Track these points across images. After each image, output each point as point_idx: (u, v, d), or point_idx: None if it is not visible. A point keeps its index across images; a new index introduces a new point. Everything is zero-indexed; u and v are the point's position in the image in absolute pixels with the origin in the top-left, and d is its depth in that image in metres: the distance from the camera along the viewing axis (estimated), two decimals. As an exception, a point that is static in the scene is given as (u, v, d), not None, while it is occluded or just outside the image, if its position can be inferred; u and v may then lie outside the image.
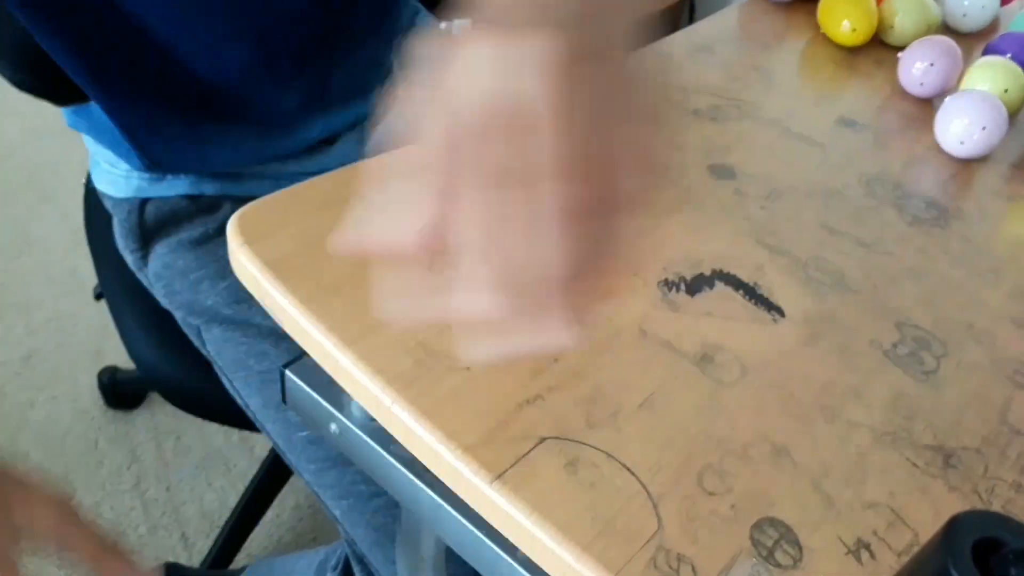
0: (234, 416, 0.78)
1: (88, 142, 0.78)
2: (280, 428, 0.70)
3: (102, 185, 0.77)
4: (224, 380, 0.74)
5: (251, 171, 0.77)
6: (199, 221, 0.75)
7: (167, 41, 0.65)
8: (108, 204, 0.77)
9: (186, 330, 0.77)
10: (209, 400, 0.83)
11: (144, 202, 0.75)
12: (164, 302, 0.77)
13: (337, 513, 0.70)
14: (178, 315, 0.76)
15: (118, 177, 0.75)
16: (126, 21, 0.63)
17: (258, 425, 0.73)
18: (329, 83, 0.76)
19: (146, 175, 0.74)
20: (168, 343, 0.83)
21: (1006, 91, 0.76)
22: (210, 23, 0.65)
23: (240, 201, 0.51)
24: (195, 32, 0.66)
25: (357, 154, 0.74)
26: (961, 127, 0.71)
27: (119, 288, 0.86)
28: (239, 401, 0.74)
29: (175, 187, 0.75)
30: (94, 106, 0.73)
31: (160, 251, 0.75)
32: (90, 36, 0.64)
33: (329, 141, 0.79)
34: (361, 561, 0.73)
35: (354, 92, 0.78)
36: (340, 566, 0.93)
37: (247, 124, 0.74)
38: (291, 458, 0.71)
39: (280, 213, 0.52)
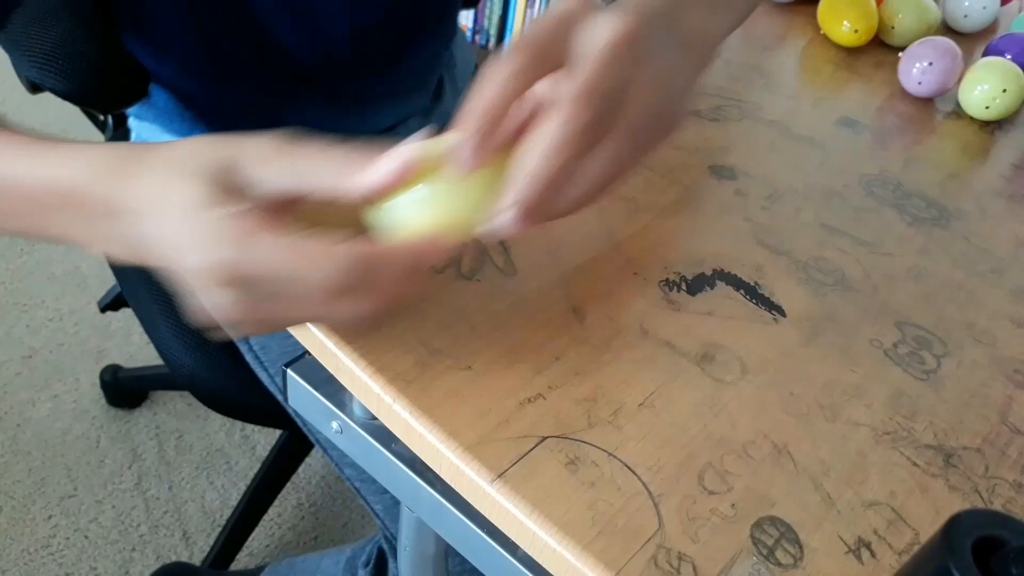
0: (271, 415, 0.79)
1: (143, 129, 0.80)
2: None
3: None
4: (265, 376, 0.75)
5: None
6: None
7: (272, 22, 0.68)
8: None
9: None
10: (247, 401, 0.84)
11: None
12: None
13: (378, 508, 0.70)
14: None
15: None
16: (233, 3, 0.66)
17: (298, 422, 0.73)
18: (399, 76, 0.80)
19: None
20: (204, 345, 0.83)
21: (1005, 91, 0.76)
22: (311, 5, 0.68)
23: None
24: (299, 11, 0.68)
25: None
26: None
27: (149, 295, 0.86)
28: (279, 396, 0.74)
29: None
30: (158, 97, 0.75)
31: None
32: (205, 17, 0.67)
33: (390, 129, 0.84)
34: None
35: (417, 85, 0.84)
36: (372, 562, 0.93)
37: (329, 107, 0.78)
38: (333, 453, 0.71)
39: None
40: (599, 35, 0.39)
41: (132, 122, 0.82)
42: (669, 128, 0.44)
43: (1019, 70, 0.78)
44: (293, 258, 0.37)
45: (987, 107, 0.77)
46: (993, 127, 0.79)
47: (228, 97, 0.74)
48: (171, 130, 0.78)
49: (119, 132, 0.94)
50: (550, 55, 0.39)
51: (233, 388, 0.83)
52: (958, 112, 0.80)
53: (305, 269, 0.37)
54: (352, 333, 0.45)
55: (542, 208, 0.39)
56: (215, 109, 0.75)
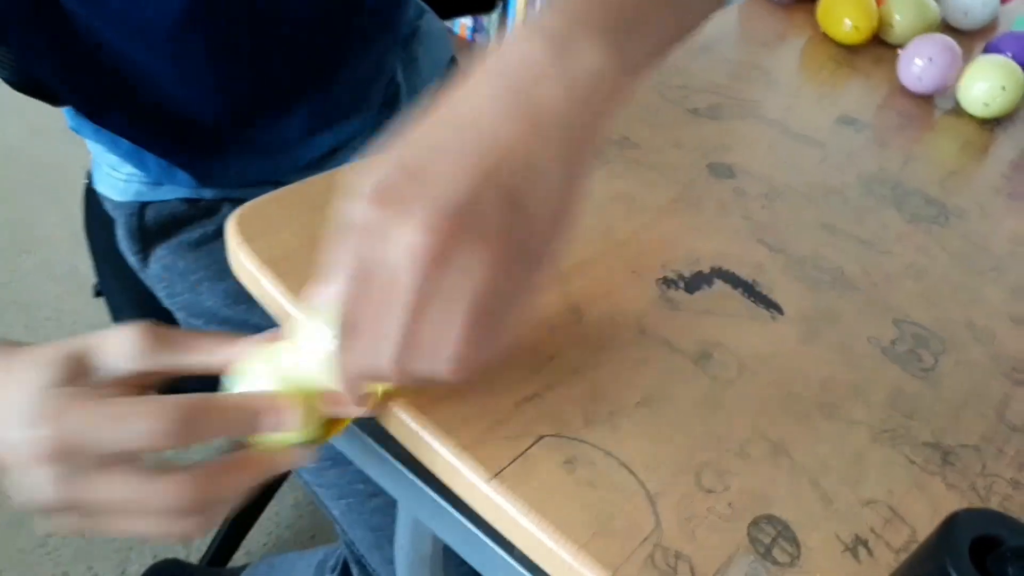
0: None
1: (91, 145, 0.78)
2: None
3: (103, 188, 0.77)
4: (224, 380, 0.75)
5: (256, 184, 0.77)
6: (198, 224, 0.75)
7: (164, 76, 0.65)
8: (109, 207, 0.78)
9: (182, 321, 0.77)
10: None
11: (144, 206, 0.75)
12: (166, 303, 0.77)
13: (336, 513, 0.69)
14: (179, 316, 0.76)
15: (118, 181, 0.75)
16: (112, 64, 0.63)
17: None
18: (330, 101, 0.74)
19: (145, 179, 0.74)
20: None
21: (1003, 88, 0.76)
22: (210, 53, 0.64)
23: (239, 203, 0.52)
24: (187, 79, 0.65)
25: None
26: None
27: (119, 288, 0.86)
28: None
29: (174, 191, 0.75)
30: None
31: (160, 253, 0.75)
32: (78, 75, 0.64)
33: (332, 152, 0.79)
34: (359, 562, 0.73)
35: (357, 103, 0.77)
36: (339, 567, 0.92)
37: (249, 152, 0.74)
38: None
39: (278, 212, 0.52)
40: (400, 262, 0.34)
41: (86, 142, 0.79)
42: (548, 248, 0.38)
43: (1018, 68, 0.78)
44: (115, 411, 0.37)
45: (986, 104, 0.77)
46: (993, 125, 0.78)
47: (138, 141, 0.71)
48: (112, 150, 0.74)
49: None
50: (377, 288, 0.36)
51: (196, 385, 0.83)
52: (957, 110, 0.80)
53: (127, 419, 0.37)
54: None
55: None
56: (142, 147, 0.72)
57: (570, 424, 0.42)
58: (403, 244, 0.34)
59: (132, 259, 0.77)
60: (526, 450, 0.41)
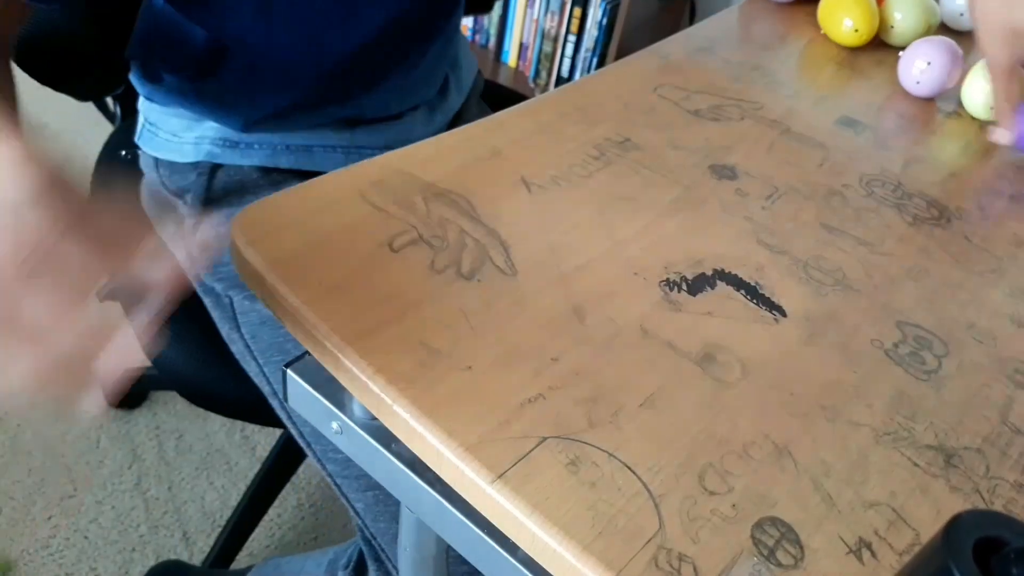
0: (253, 411, 0.78)
1: (153, 110, 0.79)
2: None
3: (163, 153, 0.78)
4: (253, 367, 0.74)
5: (322, 143, 0.79)
6: (265, 194, 0.75)
7: (288, 24, 0.68)
8: (163, 173, 0.79)
9: (217, 312, 0.77)
10: (229, 396, 0.84)
11: (215, 168, 0.77)
12: (204, 276, 0.77)
13: (360, 506, 0.69)
14: (218, 287, 0.76)
15: (184, 144, 0.77)
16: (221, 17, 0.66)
17: (282, 416, 0.73)
18: (408, 76, 0.80)
19: (220, 142, 0.76)
20: (185, 337, 0.83)
21: None
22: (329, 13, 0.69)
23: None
24: (315, 25, 0.69)
25: (420, 130, 0.83)
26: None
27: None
28: (265, 388, 0.74)
29: (250, 157, 0.76)
30: (170, 80, 0.75)
31: (217, 219, 0.76)
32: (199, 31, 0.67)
33: (398, 116, 0.83)
34: (377, 559, 0.73)
35: (422, 84, 0.84)
36: (352, 565, 0.92)
37: (342, 101, 0.77)
38: (316, 448, 0.71)
39: (283, 213, 0.52)
40: None
41: (142, 104, 0.82)
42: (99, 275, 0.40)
43: (1021, 70, 0.78)
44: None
45: (991, 107, 0.77)
46: (994, 126, 0.78)
47: (246, 83, 0.74)
48: (178, 114, 0.77)
49: (127, 123, 0.94)
50: None
51: (217, 382, 0.83)
52: (959, 112, 0.80)
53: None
54: (354, 333, 0.44)
55: None
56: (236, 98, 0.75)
57: (573, 426, 0.43)
58: None
59: (172, 228, 0.78)
60: (529, 452, 0.41)
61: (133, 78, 0.77)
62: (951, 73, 0.78)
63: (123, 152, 0.86)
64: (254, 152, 0.76)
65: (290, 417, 0.72)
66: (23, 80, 0.75)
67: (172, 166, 0.78)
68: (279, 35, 0.70)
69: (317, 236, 0.50)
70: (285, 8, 0.68)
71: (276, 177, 0.77)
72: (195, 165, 0.77)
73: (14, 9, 0.59)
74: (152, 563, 1.20)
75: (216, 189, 0.77)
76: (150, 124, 0.80)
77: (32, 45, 0.71)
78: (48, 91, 0.77)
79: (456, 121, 0.92)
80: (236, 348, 0.75)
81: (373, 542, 0.72)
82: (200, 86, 0.73)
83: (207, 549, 1.23)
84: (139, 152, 0.82)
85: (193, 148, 0.77)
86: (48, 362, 0.38)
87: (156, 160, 0.80)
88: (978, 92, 0.77)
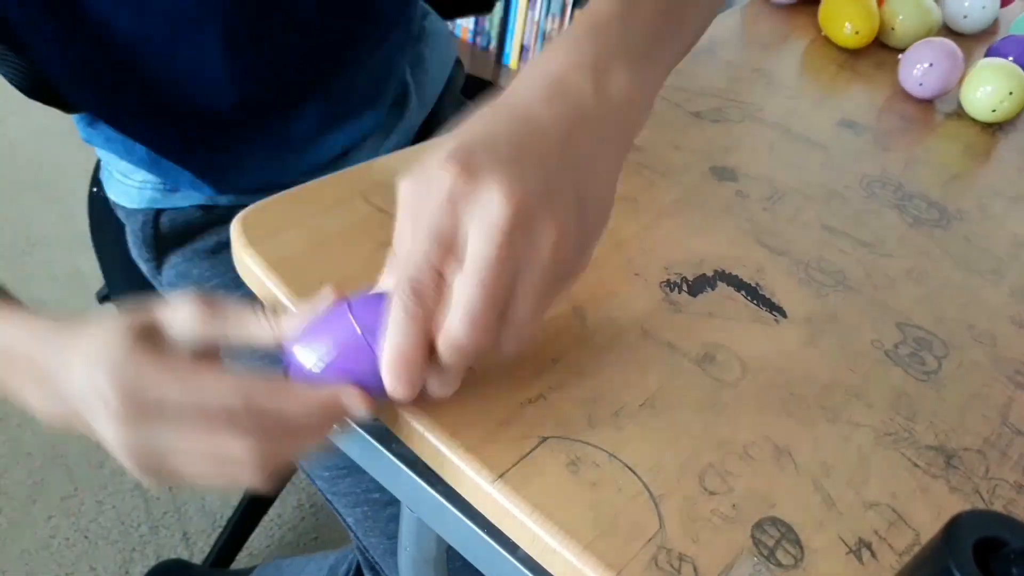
0: None
1: (101, 153, 0.77)
2: None
3: (115, 196, 0.77)
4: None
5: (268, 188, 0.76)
6: (213, 231, 0.74)
7: (177, 74, 0.65)
8: (121, 214, 0.77)
9: None
10: None
11: (159, 213, 0.75)
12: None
13: (350, 520, 0.69)
14: None
15: (131, 188, 0.75)
16: (133, 50, 0.62)
17: None
18: (341, 98, 0.74)
19: (160, 186, 0.74)
20: None
21: (1011, 93, 0.76)
22: (224, 51, 0.64)
23: None
24: (201, 70, 0.64)
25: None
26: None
27: (131, 294, 0.86)
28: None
29: (189, 198, 0.74)
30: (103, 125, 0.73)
31: (175, 260, 0.75)
32: (90, 71, 0.63)
33: (344, 154, 0.78)
34: (373, 568, 0.73)
35: (368, 102, 0.77)
36: (352, 573, 0.92)
37: (262, 151, 0.73)
38: (304, 464, 0.71)
39: (283, 214, 0.52)
40: (476, 244, 0.37)
41: (95, 149, 0.78)
42: (596, 234, 0.42)
43: (1022, 72, 0.78)
44: (192, 381, 0.38)
45: (993, 110, 0.77)
46: (994, 128, 0.79)
47: (163, 147, 0.71)
48: (125, 158, 0.74)
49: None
50: (452, 252, 0.38)
51: None
52: (959, 113, 0.80)
53: (205, 392, 0.38)
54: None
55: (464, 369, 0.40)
56: (154, 149, 0.72)
57: (574, 426, 0.43)
58: (486, 210, 0.36)
59: (145, 267, 0.77)
60: (530, 452, 0.41)
61: (78, 124, 0.75)
62: (952, 74, 0.78)
63: (95, 190, 0.84)
64: (193, 193, 0.74)
65: None
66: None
67: (125, 210, 0.77)
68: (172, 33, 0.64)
69: (318, 237, 0.50)
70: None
71: (219, 212, 0.75)
72: (142, 211, 0.75)
73: None
74: (153, 563, 1.21)
75: (164, 233, 0.75)
76: (105, 163, 0.78)
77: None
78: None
79: (427, 127, 0.87)
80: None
81: (366, 554, 0.72)
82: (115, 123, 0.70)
83: (207, 549, 1.24)
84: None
85: (138, 193, 0.75)
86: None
87: (114, 202, 0.78)
88: (982, 95, 0.77)
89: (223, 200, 0.75)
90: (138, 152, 0.72)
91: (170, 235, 0.75)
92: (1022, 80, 0.77)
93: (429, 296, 0.37)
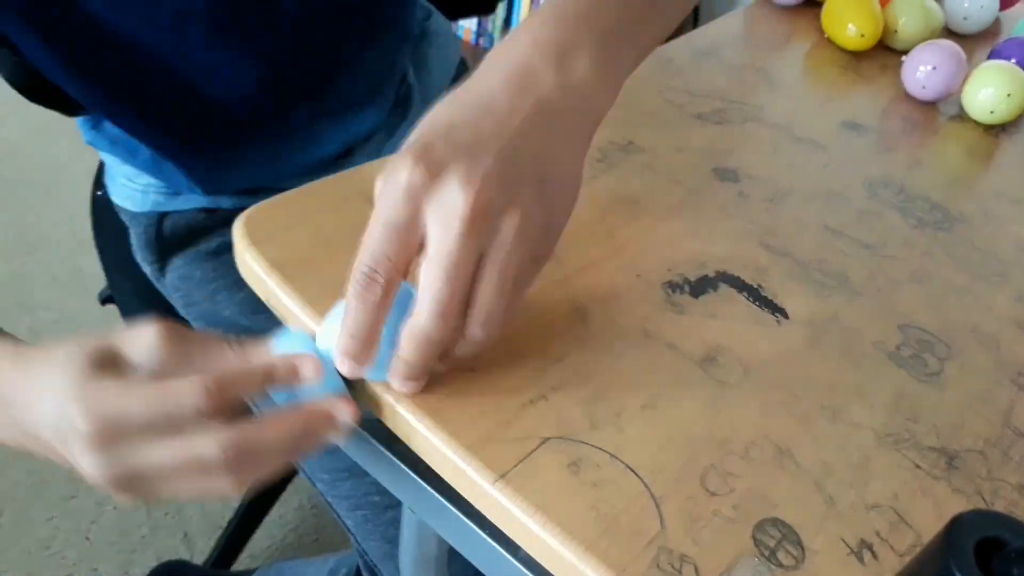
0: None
1: (105, 157, 0.77)
2: None
3: (119, 199, 0.77)
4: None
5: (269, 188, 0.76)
6: (217, 233, 0.75)
7: (173, 70, 0.64)
8: (125, 217, 0.77)
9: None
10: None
11: (162, 216, 0.75)
12: (183, 312, 0.77)
13: (350, 524, 0.69)
14: (196, 325, 0.76)
15: (135, 192, 0.75)
16: (128, 48, 0.62)
17: None
18: (339, 93, 0.74)
19: (163, 190, 0.74)
20: None
21: (1009, 95, 0.76)
22: (213, 46, 0.64)
23: None
24: (199, 58, 0.64)
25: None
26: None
27: (134, 298, 0.86)
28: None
29: (192, 201, 0.74)
30: (108, 126, 0.73)
31: (178, 263, 0.75)
32: (92, 64, 0.63)
33: (346, 154, 0.78)
34: (372, 572, 0.73)
35: (367, 99, 0.77)
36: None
37: (260, 145, 0.73)
38: (305, 467, 0.71)
39: (286, 214, 0.52)
40: (436, 240, 0.38)
41: (98, 151, 0.78)
42: (561, 218, 0.43)
43: (1023, 73, 0.78)
44: (154, 392, 0.38)
45: (992, 112, 0.77)
46: (997, 130, 0.79)
47: (164, 145, 0.71)
48: (128, 161, 0.74)
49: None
50: (407, 243, 0.39)
51: None
52: (962, 115, 0.80)
53: (169, 398, 0.38)
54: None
55: (440, 359, 0.41)
56: (161, 153, 0.72)
57: (575, 426, 0.43)
58: (446, 200, 0.37)
59: (148, 269, 0.77)
60: (531, 452, 0.41)
61: (81, 127, 0.75)
62: (956, 77, 0.78)
63: (99, 192, 0.85)
64: (196, 196, 0.74)
65: None
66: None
67: (129, 213, 0.77)
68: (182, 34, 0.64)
69: (320, 237, 0.50)
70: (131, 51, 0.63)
71: (222, 215, 0.75)
72: (145, 215, 0.75)
73: None
74: (153, 564, 1.20)
75: (167, 236, 0.75)
76: (109, 166, 0.79)
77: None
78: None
79: None
80: None
81: (366, 558, 0.72)
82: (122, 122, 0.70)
83: (208, 550, 1.23)
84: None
85: (142, 197, 0.75)
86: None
87: (118, 206, 0.78)
88: (982, 96, 0.77)
89: (226, 203, 0.75)
90: (141, 155, 0.72)
91: (173, 238, 0.75)
92: (1021, 81, 0.77)
93: (379, 284, 0.39)
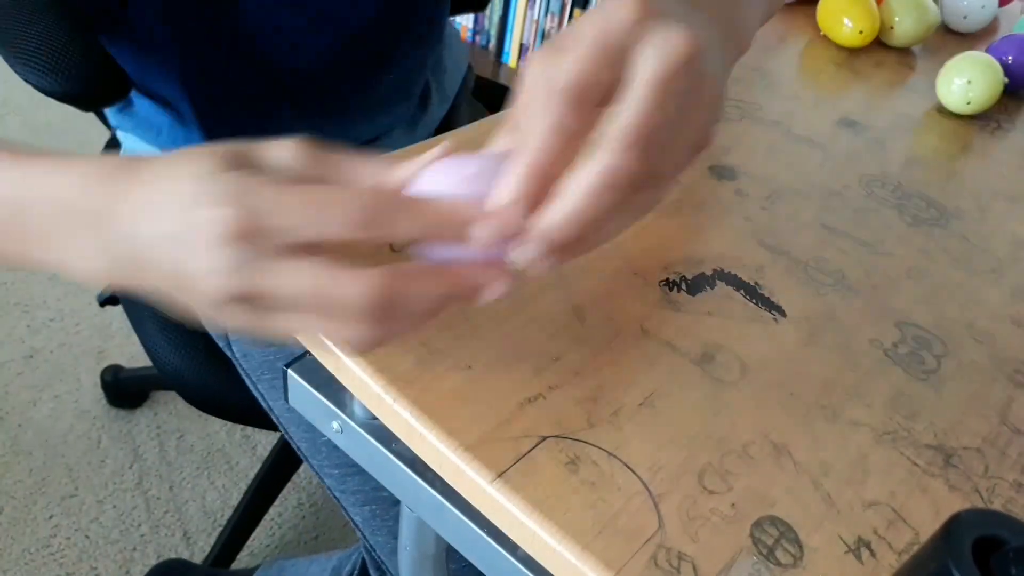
0: (256, 417, 0.79)
1: (125, 139, 0.79)
2: (305, 431, 0.70)
3: None
4: (249, 383, 0.75)
5: None
6: None
7: (256, 30, 0.68)
8: None
9: (214, 333, 0.78)
10: (232, 402, 0.84)
11: None
12: None
13: (358, 519, 0.69)
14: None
15: None
16: (220, 10, 0.65)
17: (281, 428, 0.73)
18: (379, 88, 0.78)
19: None
20: (190, 345, 0.83)
21: (969, 82, 0.77)
22: (296, 13, 0.68)
23: None
24: (282, 21, 0.68)
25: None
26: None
27: (133, 296, 0.86)
28: (263, 404, 0.74)
29: None
30: (139, 105, 0.74)
31: None
32: (184, 26, 0.66)
33: (373, 140, 0.82)
34: (379, 568, 0.73)
35: (400, 93, 0.82)
36: (356, 572, 0.92)
37: (290, 123, 0.75)
38: (313, 462, 0.71)
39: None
40: (653, 63, 0.34)
41: (118, 133, 0.81)
42: (710, 136, 0.39)
43: (989, 59, 0.78)
44: (303, 195, 0.34)
45: (968, 103, 0.78)
46: (993, 127, 0.79)
47: (207, 107, 0.73)
48: (151, 141, 0.76)
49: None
50: (600, 86, 0.34)
51: (220, 388, 0.83)
52: (959, 113, 0.80)
53: (316, 204, 0.33)
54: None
55: (570, 250, 0.36)
56: (194, 121, 0.74)
57: (573, 425, 0.43)
58: (666, 38, 0.34)
59: None
60: (529, 451, 0.41)
61: (108, 110, 0.77)
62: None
63: None
64: None
65: (287, 430, 0.72)
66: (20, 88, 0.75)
67: None
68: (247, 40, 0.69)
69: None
70: (224, 32, 0.67)
71: None
72: None
73: None
74: (153, 562, 1.21)
75: None
76: (125, 150, 0.80)
77: None
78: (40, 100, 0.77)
79: (446, 123, 0.91)
80: (238, 366, 0.76)
81: (372, 553, 0.72)
82: (166, 114, 0.73)
83: (208, 548, 1.24)
84: None
85: None
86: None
87: None
88: (955, 88, 0.77)
89: None
90: (164, 137, 0.74)
91: None
92: (982, 66, 0.77)
93: (583, 111, 0.34)
